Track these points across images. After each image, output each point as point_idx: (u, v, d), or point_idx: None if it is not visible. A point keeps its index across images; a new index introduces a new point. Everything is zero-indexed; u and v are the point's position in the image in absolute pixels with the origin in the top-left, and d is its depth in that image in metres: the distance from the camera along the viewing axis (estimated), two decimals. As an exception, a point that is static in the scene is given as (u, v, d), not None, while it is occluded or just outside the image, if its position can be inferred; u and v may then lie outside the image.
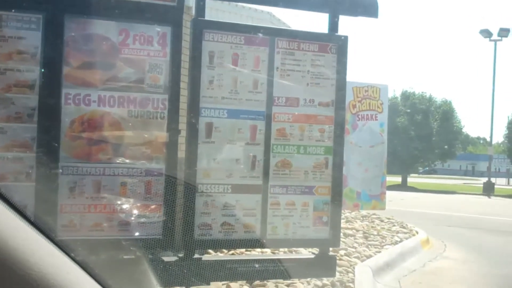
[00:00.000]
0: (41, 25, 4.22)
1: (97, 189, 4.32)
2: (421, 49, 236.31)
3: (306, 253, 6.50)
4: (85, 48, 4.33)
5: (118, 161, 4.40)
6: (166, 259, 4.67)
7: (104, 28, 4.40)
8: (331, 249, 5.51)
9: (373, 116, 7.68)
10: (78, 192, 4.29)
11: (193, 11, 4.99)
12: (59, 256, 1.47)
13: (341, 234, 7.14)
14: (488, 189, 35.64)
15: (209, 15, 5.07)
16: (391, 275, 7.61)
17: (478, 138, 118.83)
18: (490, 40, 37.73)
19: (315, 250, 5.49)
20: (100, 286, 1.62)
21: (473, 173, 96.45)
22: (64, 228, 4.23)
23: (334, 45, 5.29)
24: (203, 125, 4.83)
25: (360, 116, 7.59)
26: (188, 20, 5.12)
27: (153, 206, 4.52)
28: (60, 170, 4.25)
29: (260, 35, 5.04)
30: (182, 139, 4.76)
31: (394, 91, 43.47)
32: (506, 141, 40.98)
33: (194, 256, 4.77)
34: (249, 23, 5.11)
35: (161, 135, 4.56)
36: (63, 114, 4.26)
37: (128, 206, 4.46)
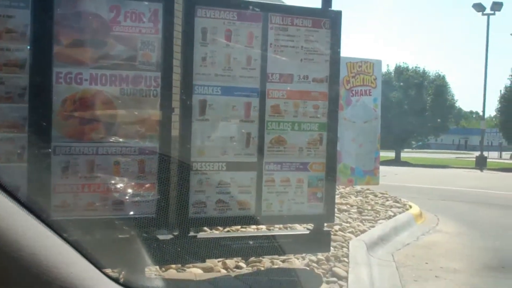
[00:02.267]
0: (30, 3, 4.14)
1: (90, 169, 4.30)
2: (415, 24, 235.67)
3: (301, 229, 6.51)
4: (75, 26, 4.26)
5: (111, 140, 4.37)
6: (160, 237, 4.67)
7: (94, 5, 4.33)
8: (325, 224, 5.53)
9: (367, 92, 7.65)
10: (71, 172, 4.26)
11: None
12: (51, 236, 1.45)
13: (336, 209, 7.15)
14: (481, 163, 35.80)
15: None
16: (385, 249, 7.64)
17: (471, 112, 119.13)
18: (483, 14, 37.59)
19: (310, 226, 5.50)
20: (92, 266, 1.60)
21: (466, 147, 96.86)
22: (58, 208, 4.21)
23: (328, 20, 5.25)
24: (197, 103, 4.80)
25: (354, 92, 7.56)
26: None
27: (147, 185, 4.50)
28: (53, 150, 4.22)
29: (253, 10, 4.98)
30: (175, 117, 4.72)
31: (388, 66, 43.38)
32: (498, 115, 41.07)
33: (189, 234, 4.77)
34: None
35: (154, 113, 4.52)
36: (54, 93, 4.21)
37: (122, 185, 4.44)
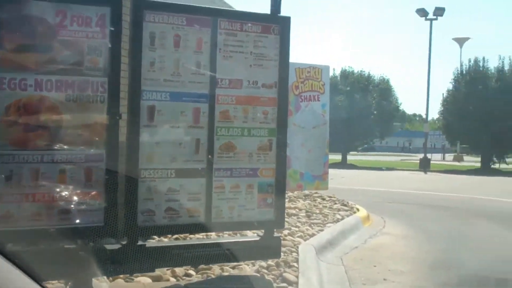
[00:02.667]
0: (-28, 7, 3.98)
1: (35, 177, 4.16)
2: (360, 28, 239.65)
3: (251, 235, 6.49)
4: (20, 30, 4.12)
5: (56, 148, 4.24)
6: (108, 247, 4.56)
7: (40, 9, 4.20)
8: (275, 230, 5.52)
9: (316, 97, 7.69)
10: (15, 181, 4.11)
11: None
12: None
13: (285, 214, 7.17)
14: (425, 165, 36.67)
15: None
16: (334, 252, 7.71)
17: (415, 115, 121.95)
18: (426, 19, 38.57)
19: (260, 232, 5.48)
20: (32, 281, 1.53)
21: (410, 149, 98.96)
22: (1, 219, 4.05)
23: (277, 26, 5.26)
24: (145, 109, 4.72)
25: (303, 97, 7.58)
26: (128, 0, 4.95)
27: (94, 193, 4.40)
28: (-5, 159, 4.06)
29: (202, 16, 4.94)
30: (123, 123, 4.62)
31: (334, 70, 44.07)
32: (441, 118, 42.12)
33: (138, 243, 4.68)
34: (191, 3, 4.99)
35: (101, 119, 4.43)
36: (-3, 99, 4.05)
37: (68, 194, 4.32)
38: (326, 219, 9.72)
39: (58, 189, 4.25)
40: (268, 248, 5.37)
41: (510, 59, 38.02)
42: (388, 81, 45.70)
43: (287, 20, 5.32)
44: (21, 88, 4.10)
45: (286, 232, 7.68)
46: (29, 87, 4.12)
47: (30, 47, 4.16)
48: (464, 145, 48.78)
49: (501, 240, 9.62)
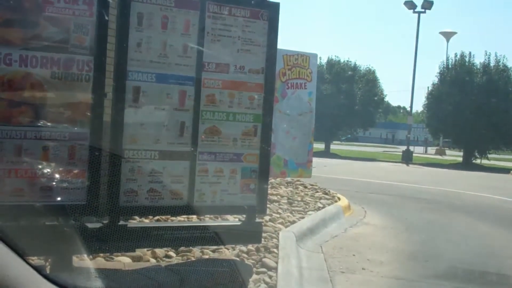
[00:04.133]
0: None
1: (17, 153, 4.13)
2: (348, 18, 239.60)
3: (232, 219, 6.52)
4: (5, 5, 4.08)
5: (40, 124, 4.21)
6: (90, 225, 4.56)
7: (27, -16, 4.15)
8: (257, 215, 5.54)
9: (302, 85, 7.71)
10: (-4, 156, 4.08)
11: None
12: None
13: (267, 200, 7.20)
14: (407, 157, 36.93)
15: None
16: (314, 240, 7.76)
17: (399, 107, 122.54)
18: (414, 12, 38.62)
19: (242, 217, 5.51)
20: (15, 255, 1.53)
21: (393, 141, 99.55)
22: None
23: (266, 11, 5.25)
24: (130, 89, 4.70)
25: (289, 85, 7.60)
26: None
27: (76, 171, 4.38)
28: (-23, 133, 4.03)
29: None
30: (108, 103, 4.60)
31: (320, 58, 44.01)
32: (425, 111, 42.37)
33: (119, 223, 4.68)
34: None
35: (86, 98, 4.40)
36: (-20, 74, 4.02)
37: (50, 171, 4.30)
38: (307, 206, 9.78)
39: (40, 166, 4.23)
40: (249, 233, 5.39)
41: (496, 55, 38.34)
42: (374, 72, 45.84)
43: (276, 6, 5.32)
44: (5, 63, 4.05)
45: (267, 218, 7.72)
46: (14, 63, 4.07)
47: (16, 22, 4.10)
48: (447, 139, 49.19)
49: (478, 234, 9.76)
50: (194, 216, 6.18)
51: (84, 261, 4.76)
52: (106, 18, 4.46)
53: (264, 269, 5.54)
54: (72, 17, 4.29)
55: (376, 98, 44.89)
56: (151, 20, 4.74)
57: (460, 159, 40.05)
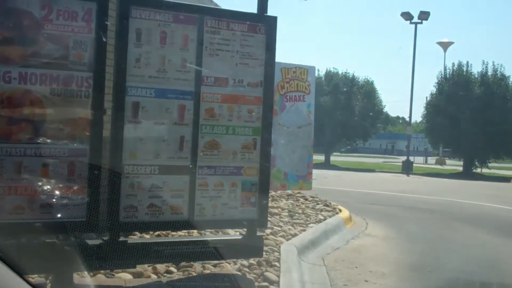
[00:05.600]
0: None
1: (17, 171, 4.13)
2: (345, 30, 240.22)
3: (233, 233, 6.50)
4: (5, 23, 4.09)
5: (39, 141, 4.21)
6: (90, 242, 4.54)
7: (25, 2, 4.17)
8: (258, 229, 5.53)
9: (301, 97, 7.72)
10: (-3, 174, 4.08)
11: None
12: None
13: (267, 213, 7.18)
14: (407, 168, 36.89)
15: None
16: (315, 253, 7.74)
17: (398, 117, 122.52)
18: (411, 23, 38.75)
19: (243, 231, 5.49)
20: (15, 274, 1.52)
21: (393, 151, 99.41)
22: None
23: (263, 25, 5.27)
24: (130, 105, 4.70)
25: (288, 97, 7.61)
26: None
27: (76, 188, 4.38)
28: (-23, 151, 4.03)
29: (189, 13, 4.93)
30: (107, 119, 4.60)
31: (319, 70, 44.14)
32: (424, 121, 42.40)
33: (120, 239, 4.66)
34: (177, 0, 4.99)
35: (85, 114, 4.41)
36: (-20, 92, 4.02)
37: (50, 188, 4.29)
38: (308, 219, 9.75)
39: (40, 183, 4.23)
40: (250, 247, 5.38)
41: (493, 65, 38.42)
42: (372, 83, 46.00)
43: (273, 20, 5.33)
44: (5, 81, 4.06)
45: (268, 231, 7.69)
46: (13, 80, 4.09)
47: (15, 39, 4.12)
48: (447, 149, 49.18)
49: (479, 243, 9.72)
50: (195, 231, 6.15)
51: (85, 278, 4.75)
52: (105, 34, 4.47)
53: (266, 283, 5.52)
54: (71, 34, 4.31)
55: (375, 109, 44.95)
56: (149, 35, 4.76)
57: (461, 168, 40.01)
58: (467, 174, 36.92)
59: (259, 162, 5.28)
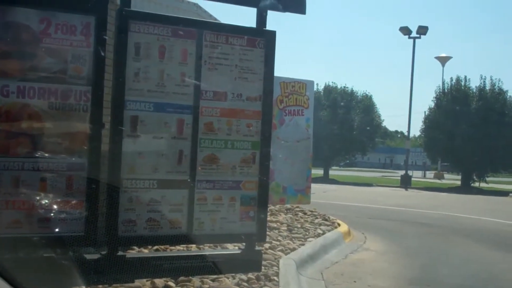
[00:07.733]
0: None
1: (15, 185, 4.11)
2: (344, 45, 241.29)
3: (232, 248, 6.47)
4: (3, 36, 4.09)
5: (37, 155, 4.20)
6: (88, 256, 4.52)
7: (24, 16, 4.17)
8: (256, 243, 5.50)
9: (300, 112, 7.74)
10: (-6, 188, 4.06)
11: (118, 1, 4.82)
12: None
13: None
14: (405, 182, 36.92)
15: (134, 5, 4.91)
16: (314, 267, 7.72)
17: (396, 132, 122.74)
18: (410, 37, 38.98)
19: (241, 245, 5.47)
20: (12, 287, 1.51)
21: (391, 165, 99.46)
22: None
23: (262, 39, 5.27)
24: (128, 119, 4.69)
25: (287, 111, 7.64)
26: (114, 9, 4.94)
27: (74, 202, 4.35)
28: (-25, 165, 4.02)
29: (188, 27, 4.94)
30: (106, 133, 4.60)
31: (317, 85, 44.25)
32: (422, 135, 42.47)
33: (118, 254, 4.64)
34: (175, 14, 5.00)
35: (84, 128, 4.39)
36: (-21, 106, 4.02)
37: (48, 202, 4.28)
38: (307, 233, 9.74)
39: (38, 197, 4.21)
40: (249, 261, 5.34)
41: (491, 79, 38.56)
42: (371, 97, 46.13)
43: (272, 34, 5.34)
44: (3, 95, 4.06)
45: (267, 245, 7.67)
46: (11, 94, 4.08)
47: (13, 53, 4.12)
48: (445, 163, 49.18)
49: (478, 257, 9.70)
50: (194, 245, 6.12)
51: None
52: (103, 48, 4.47)
53: (265, 298, 5.49)
54: (69, 48, 4.31)
55: (373, 123, 45.03)
56: (148, 50, 4.76)
57: (459, 182, 39.99)
58: (465, 188, 36.92)
59: (258, 176, 5.27)
